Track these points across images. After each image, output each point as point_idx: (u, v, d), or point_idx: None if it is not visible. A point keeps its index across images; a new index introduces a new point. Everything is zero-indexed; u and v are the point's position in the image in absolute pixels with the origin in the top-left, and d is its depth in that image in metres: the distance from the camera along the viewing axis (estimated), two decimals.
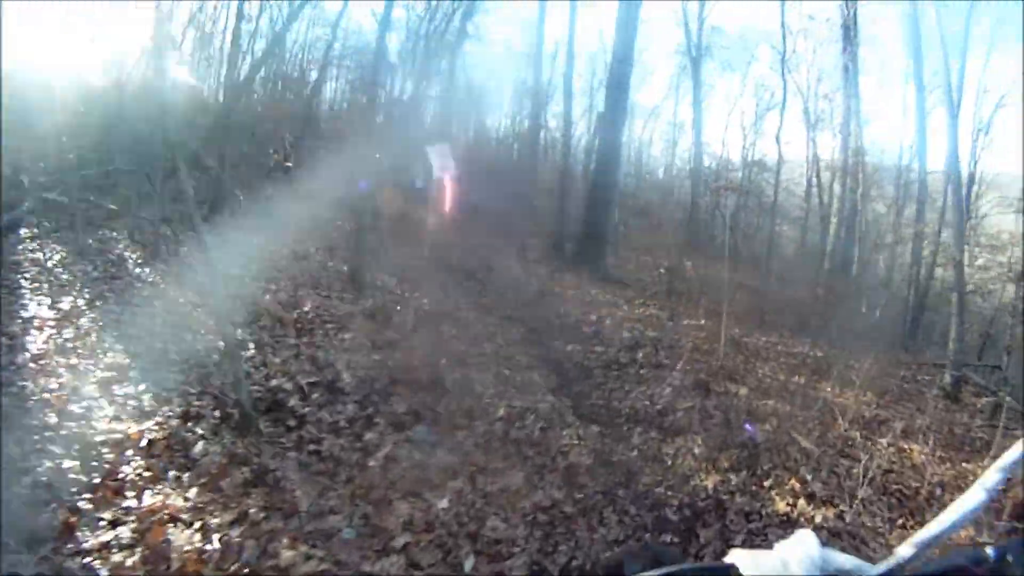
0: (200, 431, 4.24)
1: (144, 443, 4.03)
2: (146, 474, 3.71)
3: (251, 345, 5.87)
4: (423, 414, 4.90)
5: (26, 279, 7.03)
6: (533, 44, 21.23)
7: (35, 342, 5.50)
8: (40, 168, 11.03)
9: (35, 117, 13.08)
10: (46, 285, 6.91)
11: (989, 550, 0.80)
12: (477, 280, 10.42)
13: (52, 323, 6.00)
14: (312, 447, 4.19)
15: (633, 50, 13.71)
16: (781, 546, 0.79)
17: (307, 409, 4.66)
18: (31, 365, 5.08)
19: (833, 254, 18.28)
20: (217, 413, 4.45)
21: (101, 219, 9.51)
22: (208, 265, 5.03)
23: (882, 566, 0.81)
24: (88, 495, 3.37)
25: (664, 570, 0.78)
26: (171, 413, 4.45)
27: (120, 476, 3.65)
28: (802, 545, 0.78)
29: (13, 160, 10.92)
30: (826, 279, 16.36)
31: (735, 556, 0.77)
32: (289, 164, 15.22)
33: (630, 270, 14.63)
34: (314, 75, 21.60)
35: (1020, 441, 0.88)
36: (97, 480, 3.54)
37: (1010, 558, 0.77)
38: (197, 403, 4.63)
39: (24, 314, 6.15)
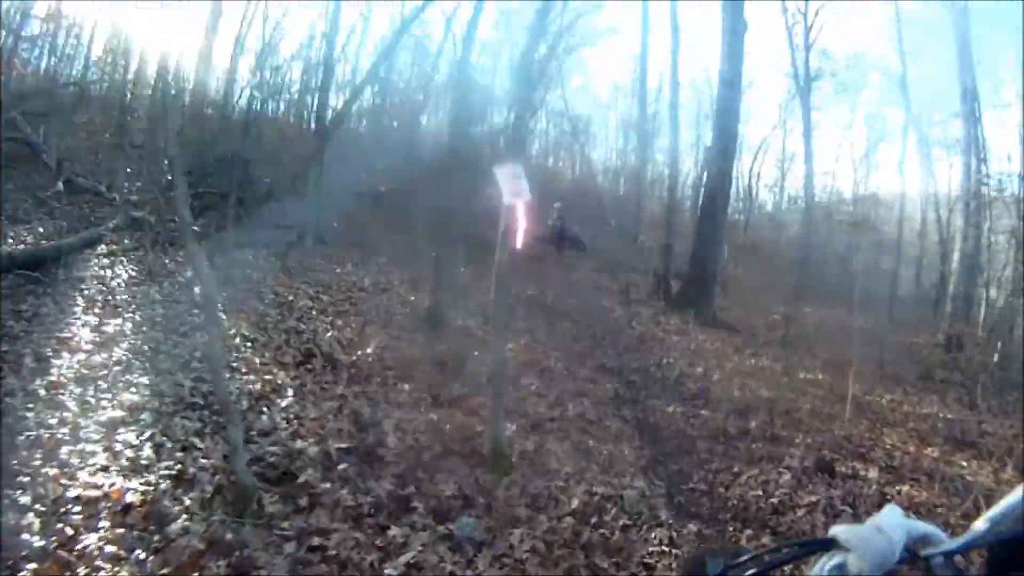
0: (188, 501, 3.30)
1: (121, 507, 3.17)
2: (108, 548, 2.88)
3: (290, 392, 4.89)
4: (474, 499, 3.70)
5: (83, 297, 6.53)
6: (637, 76, 20.30)
7: (59, 367, 4.87)
8: (136, 187, 10.97)
9: (139, 137, 13.32)
10: (99, 305, 6.38)
11: None
12: (573, 322, 9.22)
13: (88, 347, 5.37)
14: (317, 540, 3.10)
15: (740, 76, 12.26)
16: (874, 518, 0.82)
17: (326, 485, 3.56)
18: (42, 393, 4.42)
19: (955, 296, 15.93)
20: (216, 479, 3.51)
21: (183, 240, 9.04)
22: (208, 298, 4.11)
23: (960, 539, 0.83)
24: (34, 564, 2.72)
25: (768, 548, 0.89)
26: (165, 472, 3.55)
27: (78, 546, 2.86)
28: (890, 516, 0.82)
29: (109, 178, 10.94)
30: (948, 323, 14.21)
31: (835, 530, 0.81)
32: (383, 189, 14.78)
33: (739, 313, 12.99)
34: (416, 103, 21.36)
35: None
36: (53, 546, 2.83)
37: None
38: (202, 462, 3.72)
39: (62, 334, 5.58)
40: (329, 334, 6.39)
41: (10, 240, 7.50)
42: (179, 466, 3.62)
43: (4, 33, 12.22)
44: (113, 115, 14.01)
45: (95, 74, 16.37)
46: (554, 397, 5.94)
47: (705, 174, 14.26)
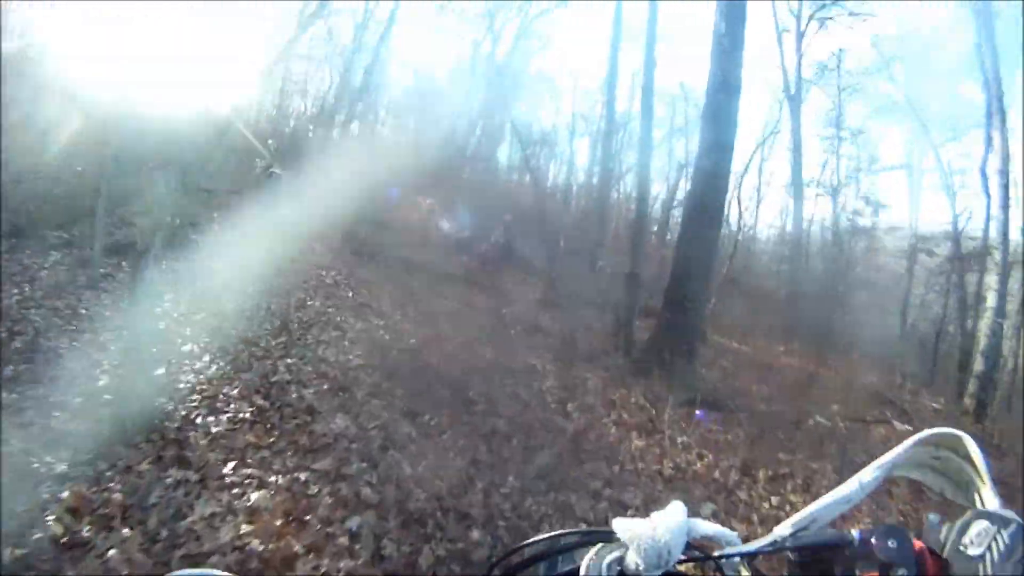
0: None
1: None
2: None
3: None
4: None
5: None
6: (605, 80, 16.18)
7: None
8: None
9: None
10: None
11: (855, 532, 0.79)
12: (462, 407, 4.74)
13: None
14: None
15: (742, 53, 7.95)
16: (655, 515, 0.77)
17: None
18: None
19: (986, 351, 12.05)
20: None
21: None
22: None
23: (760, 541, 0.82)
24: None
25: (551, 535, 0.79)
26: None
27: None
28: (672, 514, 0.76)
29: None
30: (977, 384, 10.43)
31: (616, 523, 0.76)
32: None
33: (726, 370, 8.61)
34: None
35: (902, 444, 0.86)
36: None
37: (873, 541, 0.76)
38: None
39: None
40: None
41: None
42: None
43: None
44: None
45: None
46: None
47: (689, 186, 9.73)
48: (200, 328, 5.08)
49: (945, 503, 0.95)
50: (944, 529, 0.79)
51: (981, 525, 0.76)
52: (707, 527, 0.78)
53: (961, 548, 0.76)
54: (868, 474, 0.87)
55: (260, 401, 3.90)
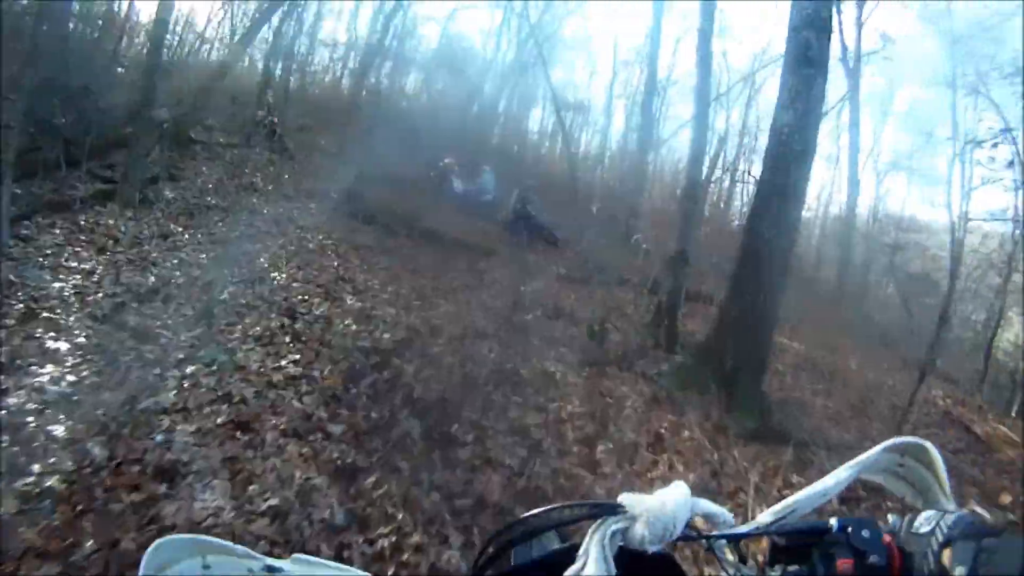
0: None
1: None
2: None
3: None
4: None
5: None
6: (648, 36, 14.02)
7: None
8: None
9: None
10: None
11: (833, 521, 0.78)
12: (445, 450, 3.04)
13: None
14: None
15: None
16: (660, 492, 0.74)
17: None
18: None
19: None
20: None
21: None
22: None
23: (746, 527, 0.82)
24: None
25: (555, 507, 0.76)
26: None
27: None
28: (677, 490, 0.74)
29: None
30: None
31: (622, 497, 0.73)
32: None
33: (783, 377, 6.73)
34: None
35: (872, 449, 0.88)
36: None
37: (850, 530, 0.75)
38: None
39: None
40: None
41: None
42: None
43: None
44: None
45: None
46: None
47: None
48: (83, 314, 3.51)
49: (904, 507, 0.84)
50: (903, 523, 0.77)
51: (928, 513, 0.75)
52: (708, 505, 0.76)
53: (913, 531, 0.74)
54: (842, 472, 0.84)
55: (96, 451, 2.31)
